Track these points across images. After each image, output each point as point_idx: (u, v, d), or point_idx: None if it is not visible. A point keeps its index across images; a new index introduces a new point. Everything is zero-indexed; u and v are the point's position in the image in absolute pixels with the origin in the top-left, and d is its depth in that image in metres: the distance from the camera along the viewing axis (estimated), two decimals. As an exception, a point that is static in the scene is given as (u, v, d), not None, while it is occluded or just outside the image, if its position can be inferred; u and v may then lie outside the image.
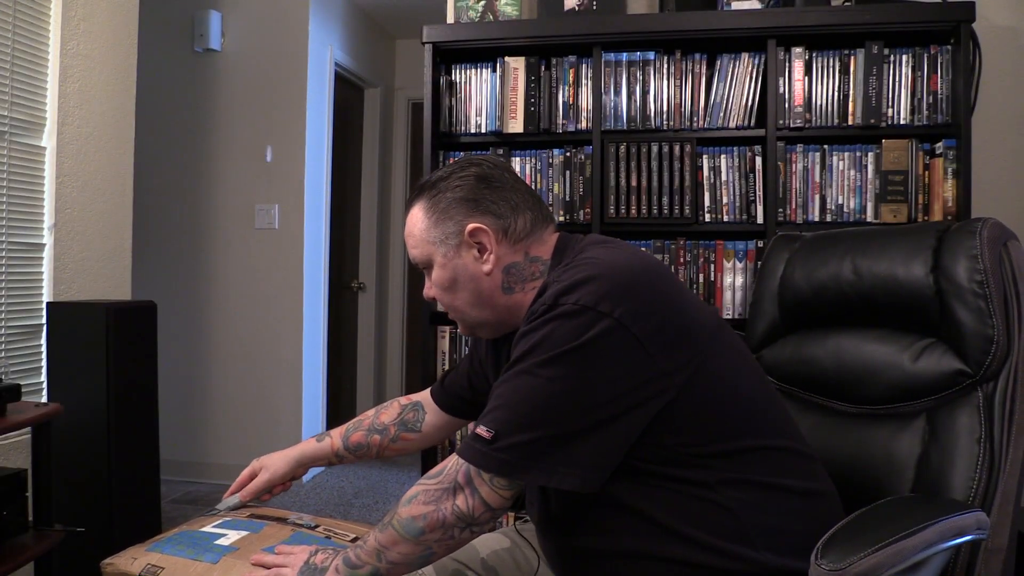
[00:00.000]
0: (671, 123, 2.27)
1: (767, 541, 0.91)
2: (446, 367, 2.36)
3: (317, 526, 1.20)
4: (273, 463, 1.29)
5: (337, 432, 1.33)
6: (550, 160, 2.32)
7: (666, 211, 2.23)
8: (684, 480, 0.91)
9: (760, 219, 2.20)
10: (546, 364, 0.88)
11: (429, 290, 1.09)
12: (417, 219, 1.06)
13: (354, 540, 1.17)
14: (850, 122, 2.18)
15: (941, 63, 2.14)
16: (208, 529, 1.14)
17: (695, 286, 2.23)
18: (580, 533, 0.97)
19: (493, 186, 1.03)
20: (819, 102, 2.20)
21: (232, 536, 1.11)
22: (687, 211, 2.22)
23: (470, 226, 1.02)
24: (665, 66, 2.27)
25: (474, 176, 1.04)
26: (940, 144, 2.10)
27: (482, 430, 0.90)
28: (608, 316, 0.87)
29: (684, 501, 0.91)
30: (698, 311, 0.96)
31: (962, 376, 1.03)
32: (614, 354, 0.87)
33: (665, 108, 2.27)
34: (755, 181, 2.21)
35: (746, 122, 2.22)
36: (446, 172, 1.06)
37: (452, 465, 0.93)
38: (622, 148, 2.25)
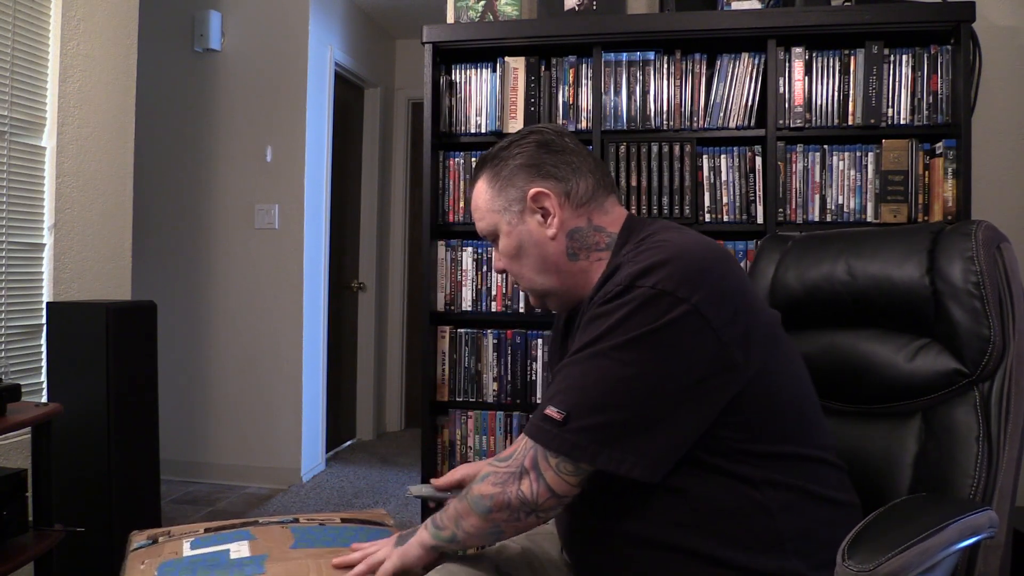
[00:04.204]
0: (671, 123, 2.27)
1: (799, 547, 0.90)
2: (446, 367, 2.36)
3: (296, 519, 1.20)
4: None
5: None
6: (550, 160, 2.32)
7: (666, 211, 2.23)
8: (730, 474, 0.91)
9: (760, 219, 2.20)
10: (621, 347, 0.87)
11: (498, 261, 1.11)
12: (481, 191, 1.08)
13: (343, 521, 1.20)
14: (850, 122, 2.18)
15: (941, 63, 2.14)
16: (199, 552, 1.08)
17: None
18: (612, 515, 0.96)
19: (553, 150, 1.04)
20: (819, 102, 2.20)
21: (240, 547, 1.08)
22: (687, 211, 2.22)
23: (532, 191, 1.03)
24: (665, 66, 2.27)
25: (534, 143, 1.05)
26: (940, 144, 2.10)
27: (552, 411, 0.89)
28: (686, 301, 0.86)
29: (725, 495, 0.91)
30: (762, 307, 0.96)
31: (959, 376, 1.03)
32: (689, 340, 0.86)
33: (665, 108, 2.27)
34: (755, 181, 2.21)
35: (746, 122, 2.22)
36: (507, 142, 1.08)
37: (520, 449, 0.93)
38: (622, 148, 2.25)
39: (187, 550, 1.10)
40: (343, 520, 1.22)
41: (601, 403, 0.88)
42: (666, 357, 0.87)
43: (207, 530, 1.17)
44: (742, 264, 2.20)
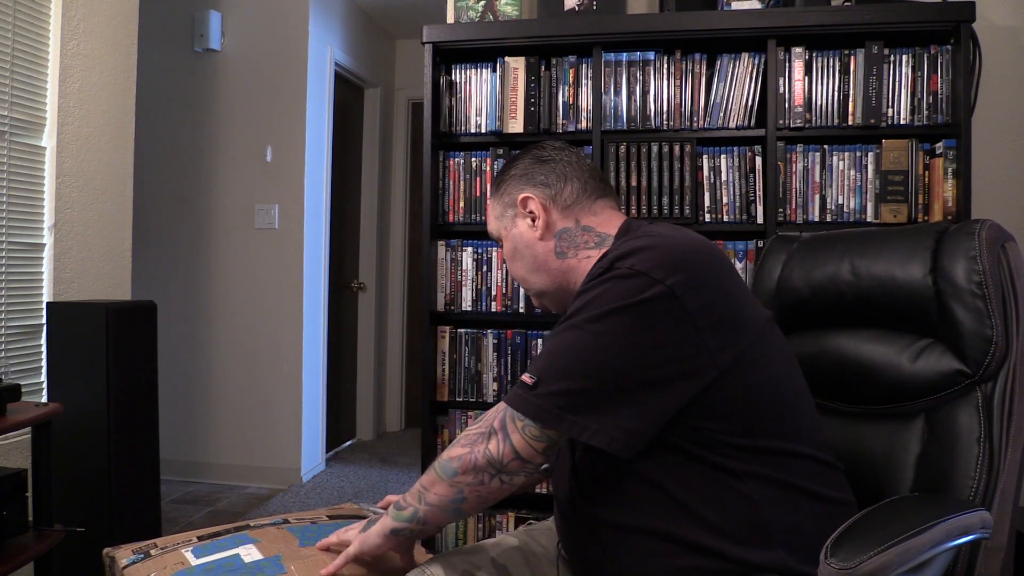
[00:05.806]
0: (671, 123, 2.26)
1: (785, 539, 0.91)
2: (446, 367, 2.36)
3: (286, 520, 1.21)
4: None
5: None
6: (550, 160, 2.32)
7: (666, 211, 2.22)
8: (714, 466, 0.92)
9: (760, 219, 2.20)
10: (594, 320, 0.91)
11: None
12: (490, 202, 1.20)
13: (332, 518, 1.22)
14: (850, 122, 2.18)
15: (941, 63, 2.14)
16: (209, 559, 1.07)
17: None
18: (602, 503, 0.99)
19: (544, 160, 1.15)
20: (819, 102, 2.19)
21: (250, 551, 1.08)
22: (687, 211, 2.22)
23: (520, 196, 1.13)
24: (665, 66, 2.27)
25: (531, 157, 1.16)
26: (940, 144, 2.10)
27: (526, 376, 0.94)
28: (660, 283, 0.89)
29: (710, 486, 0.92)
30: (750, 304, 0.98)
31: (961, 376, 1.03)
32: (662, 320, 0.89)
33: (665, 108, 2.27)
34: (755, 181, 2.21)
35: (746, 122, 2.22)
36: (511, 159, 1.19)
37: (492, 411, 0.98)
38: (622, 148, 2.25)
39: (193, 559, 1.08)
40: (330, 517, 1.24)
41: (568, 370, 0.91)
42: (635, 332, 0.90)
43: (200, 538, 1.15)
44: (742, 264, 2.20)
